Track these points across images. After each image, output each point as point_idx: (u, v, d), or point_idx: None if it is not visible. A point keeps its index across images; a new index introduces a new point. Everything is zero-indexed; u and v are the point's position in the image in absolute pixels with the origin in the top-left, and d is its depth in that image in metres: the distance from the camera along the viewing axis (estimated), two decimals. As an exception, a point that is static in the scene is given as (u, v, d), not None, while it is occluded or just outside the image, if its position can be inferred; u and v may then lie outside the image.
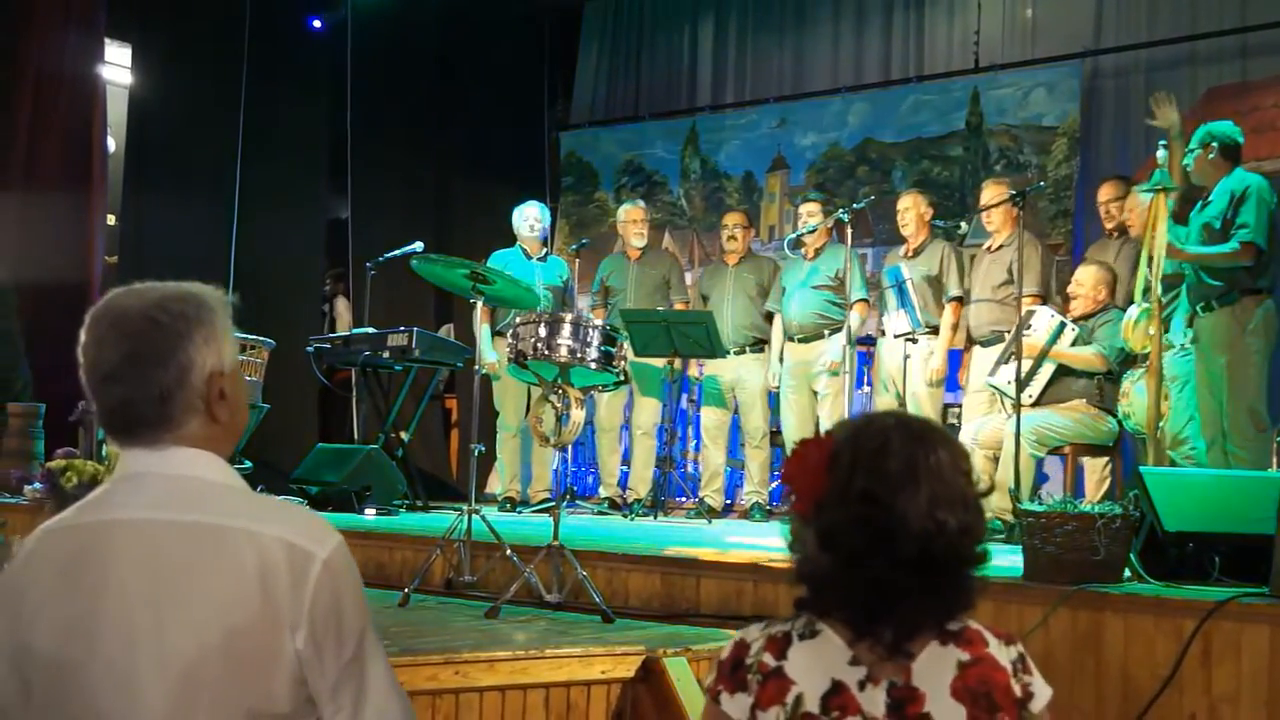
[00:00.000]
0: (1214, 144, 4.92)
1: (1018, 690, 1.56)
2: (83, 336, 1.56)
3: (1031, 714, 1.57)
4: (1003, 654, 1.58)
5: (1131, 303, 4.98)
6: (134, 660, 1.44)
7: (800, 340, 6.50)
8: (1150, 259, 4.62)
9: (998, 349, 5.74)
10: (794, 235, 6.49)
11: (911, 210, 6.24)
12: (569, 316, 4.03)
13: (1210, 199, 4.92)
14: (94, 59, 7.48)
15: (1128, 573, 3.49)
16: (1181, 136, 4.99)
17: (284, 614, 1.46)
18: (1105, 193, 6.00)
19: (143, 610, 1.45)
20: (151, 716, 1.44)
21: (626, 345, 4.36)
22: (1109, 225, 5.95)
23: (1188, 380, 5.06)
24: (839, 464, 1.55)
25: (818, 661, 1.55)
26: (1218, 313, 4.82)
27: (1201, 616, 3.10)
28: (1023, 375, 5.22)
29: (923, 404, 6.05)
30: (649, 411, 6.92)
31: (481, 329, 5.32)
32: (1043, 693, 1.59)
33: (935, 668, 1.54)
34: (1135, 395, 5.15)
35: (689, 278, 8.23)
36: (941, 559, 1.52)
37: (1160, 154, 4.83)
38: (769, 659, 1.56)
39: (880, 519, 1.51)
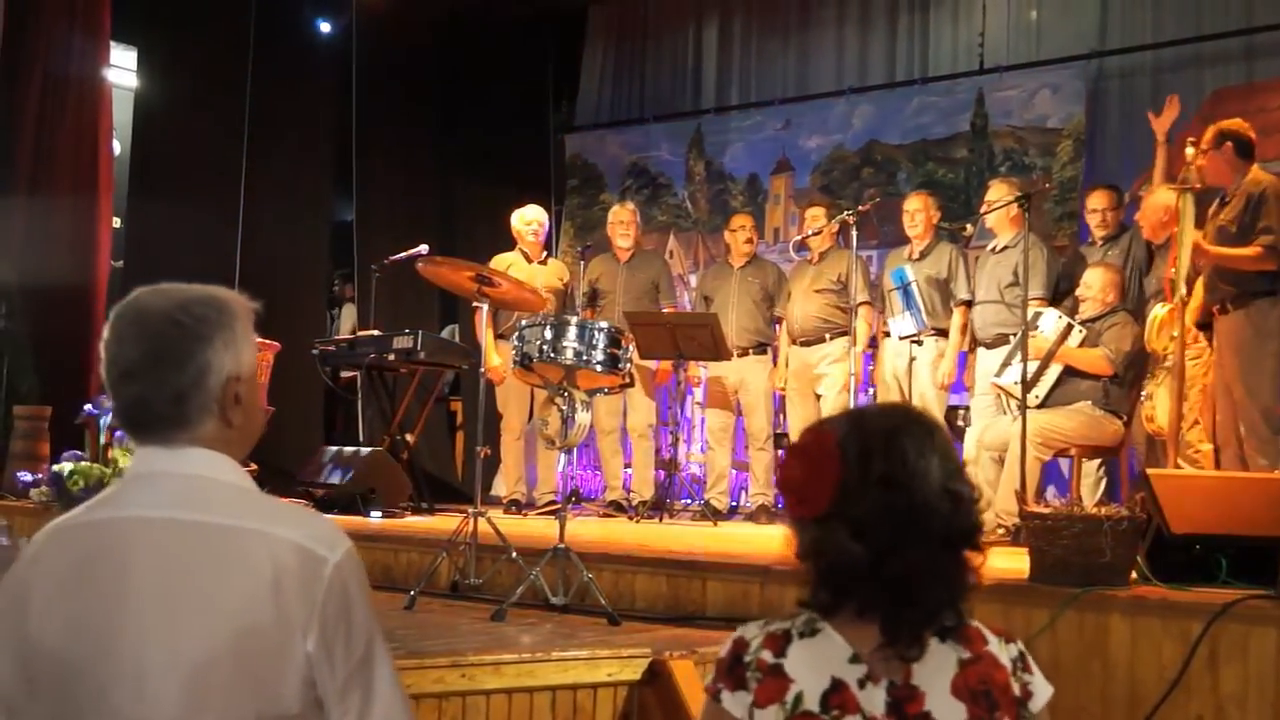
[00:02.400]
0: (1229, 143, 4.88)
1: (1017, 689, 1.55)
2: (105, 332, 1.58)
3: (1031, 713, 1.56)
4: (1003, 652, 1.57)
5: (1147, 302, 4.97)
6: (145, 658, 1.45)
7: (803, 343, 6.50)
8: (1177, 260, 4.61)
9: (1002, 351, 5.73)
10: (799, 238, 6.50)
11: (921, 212, 6.23)
12: (574, 319, 4.03)
13: (1228, 200, 4.88)
14: (100, 62, 7.50)
15: (1134, 575, 3.49)
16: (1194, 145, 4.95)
17: (295, 616, 1.47)
18: (1097, 200, 5.95)
19: (155, 609, 1.46)
20: (162, 715, 1.44)
21: (632, 347, 4.36)
22: (1099, 233, 5.92)
23: (1193, 384, 5.05)
24: (849, 456, 1.54)
25: (818, 660, 1.54)
26: (1232, 315, 4.80)
27: (1208, 618, 3.09)
28: (1029, 376, 5.22)
29: (930, 406, 6.03)
30: (643, 413, 6.92)
31: (485, 334, 5.32)
32: (1043, 692, 1.58)
33: (935, 666, 1.53)
34: (1160, 397, 5.11)
35: (694, 280, 8.24)
36: (961, 530, 1.55)
37: (1189, 151, 4.79)
38: (768, 656, 1.56)
39: (904, 501, 1.52)
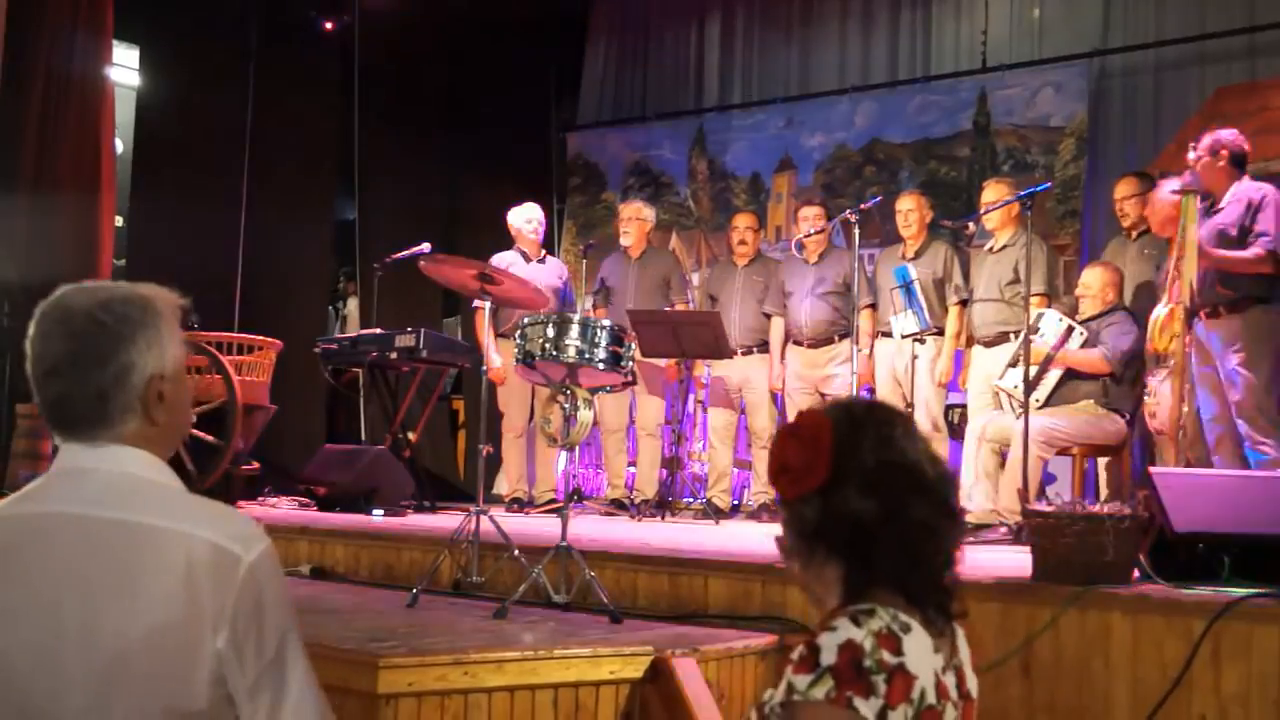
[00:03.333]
0: (1224, 151, 4.92)
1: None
2: (31, 329, 1.59)
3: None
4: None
5: (1156, 303, 4.98)
6: (60, 649, 1.48)
7: (810, 345, 6.50)
8: (1181, 260, 4.62)
9: (1001, 349, 5.73)
10: (799, 238, 6.50)
11: (915, 211, 6.24)
12: (577, 317, 4.02)
13: (1222, 205, 4.92)
14: (102, 61, 7.49)
15: (1137, 573, 3.49)
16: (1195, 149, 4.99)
17: (206, 614, 1.49)
18: (1122, 189, 5.95)
19: (71, 601, 1.49)
20: (73, 704, 1.48)
21: (635, 345, 4.35)
22: (1125, 224, 5.92)
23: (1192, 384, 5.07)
24: (841, 427, 1.61)
25: (925, 653, 1.57)
26: (1226, 319, 4.84)
27: (1211, 617, 3.09)
28: (1030, 379, 5.22)
29: (929, 405, 6.04)
30: (652, 411, 6.92)
31: (487, 334, 5.32)
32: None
33: (962, 645, 1.65)
34: (1162, 395, 5.12)
35: (696, 278, 8.23)
36: (950, 497, 1.64)
37: (1191, 154, 4.82)
38: (888, 656, 1.53)
39: (900, 459, 1.60)
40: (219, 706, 1.52)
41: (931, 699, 1.55)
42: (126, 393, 1.57)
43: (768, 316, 6.72)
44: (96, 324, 1.57)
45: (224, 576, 1.51)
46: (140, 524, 1.52)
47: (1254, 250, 4.74)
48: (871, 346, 6.45)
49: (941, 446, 6.14)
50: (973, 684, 1.64)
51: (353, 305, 9.17)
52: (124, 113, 7.91)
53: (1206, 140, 4.98)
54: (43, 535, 1.53)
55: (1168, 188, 5.46)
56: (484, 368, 4.52)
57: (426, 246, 6.57)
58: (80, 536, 1.52)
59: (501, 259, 6.70)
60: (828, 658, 1.53)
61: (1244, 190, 4.86)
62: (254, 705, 1.53)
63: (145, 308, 1.60)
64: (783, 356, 6.64)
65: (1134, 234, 5.88)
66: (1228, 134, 5.01)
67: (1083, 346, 5.41)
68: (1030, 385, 5.22)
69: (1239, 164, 4.98)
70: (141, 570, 1.50)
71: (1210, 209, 4.94)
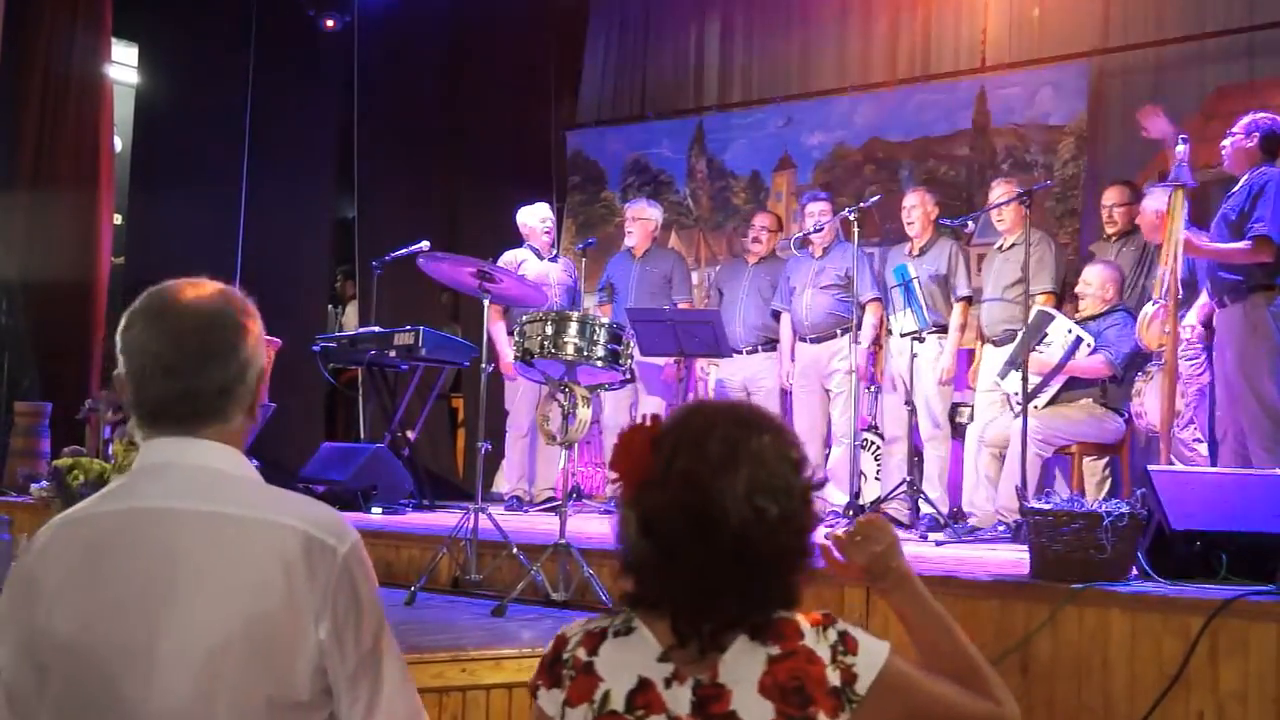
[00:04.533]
0: (1257, 134, 4.85)
1: (837, 678, 1.49)
2: (134, 327, 1.59)
3: (859, 694, 1.49)
4: (820, 643, 1.51)
5: (1148, 301, 4.98)
6: (155, 647, 1.47)
7: (813, 340, 6.50)
8: (1170, 256, 4.61)
9: (1009, 348, 5.72)
10: (800, 235, 6.50)
11: (918, 208, 6.23)
12: (575, 314, 4.03)
13: (1235, 190, 4.86)
14: (101, 58, 7.50)
15: (1135, 571, 3.49)
16: (1186, 142, 4.96)
17: (307, 604, 1.50)
18: (1111, 196, 5.99)
19: (164, 597, 1.48)
20: (174, 702, 1.46)
21: (634, 343, 4.36)
22: (1110, 230, 5.94)
23: (1190, 384, 5.07)
24: (662, 447, 1.51)
25: (627, 658, 1.52)
26: (1230, 309, 4.79)
27: (1209, 615, 3.09)
28: (1034, 389, 5.22)
29: (932, 403, 6.04)
30: (654, 410, 6.91)
31: (498, 329, 5.30)
32: (871, 662, 1.51)
33: (743, 663, 1.48)
34: (1149, 394, 5.13)
35: (695, 277, 8.22)
36: (760, 548, 1.47)
37: (1180, 149, 4.79)
38: (583, 654, 1.54)
39: (699, 503, 1.47)
40: (320, 698, 1.52)
41: (617, 705, 1.49)
42: (244, 387, 1.60)
43: (776, 314, 6.71)
44: (222, 318, 1.59)
45: (321, 567, 1.51)
46: (231, 516, 1.52)
47: (1245, 241, 4.67)
48: (880, 342, 6.45)
49: (944, 446, 6.14)
50: (748, 708, 1.47)
51: (351, 305, 9.16)
52: (123, 110, 7.91)
53: (1245, 120, 4.90)
54: (132, 533, 1.52)
55: (1155, 195, 5.47)
56: (484, 364, 4.50)
57: (425, 244, 6.57)
58: (169, 530, 1.51)
59: (513, 256, 6.69)
60: (546, 647, 1.59)
61: (1255, 176, 4.79)
62: (353, 695, 1.53)
63: (245, 306, 1.63)
64: (792, 353, 6.63)
65: (1115, 238, 5.90)
66: (1266, 118, 4.90)
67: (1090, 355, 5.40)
68: (1032, 394, 5.22)
69: (1268, 149, 4.84)
70: (236, 563, 1.50)
71: (1227, 196, 4.89)
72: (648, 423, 1.56)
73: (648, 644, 1.52)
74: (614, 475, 1.55)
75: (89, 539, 1.54)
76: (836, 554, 1.66)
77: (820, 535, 1.61)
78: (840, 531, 1.66)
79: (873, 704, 1.49)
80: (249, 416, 1.62)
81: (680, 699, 1.49)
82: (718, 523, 1.46)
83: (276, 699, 1.48)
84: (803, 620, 1.52)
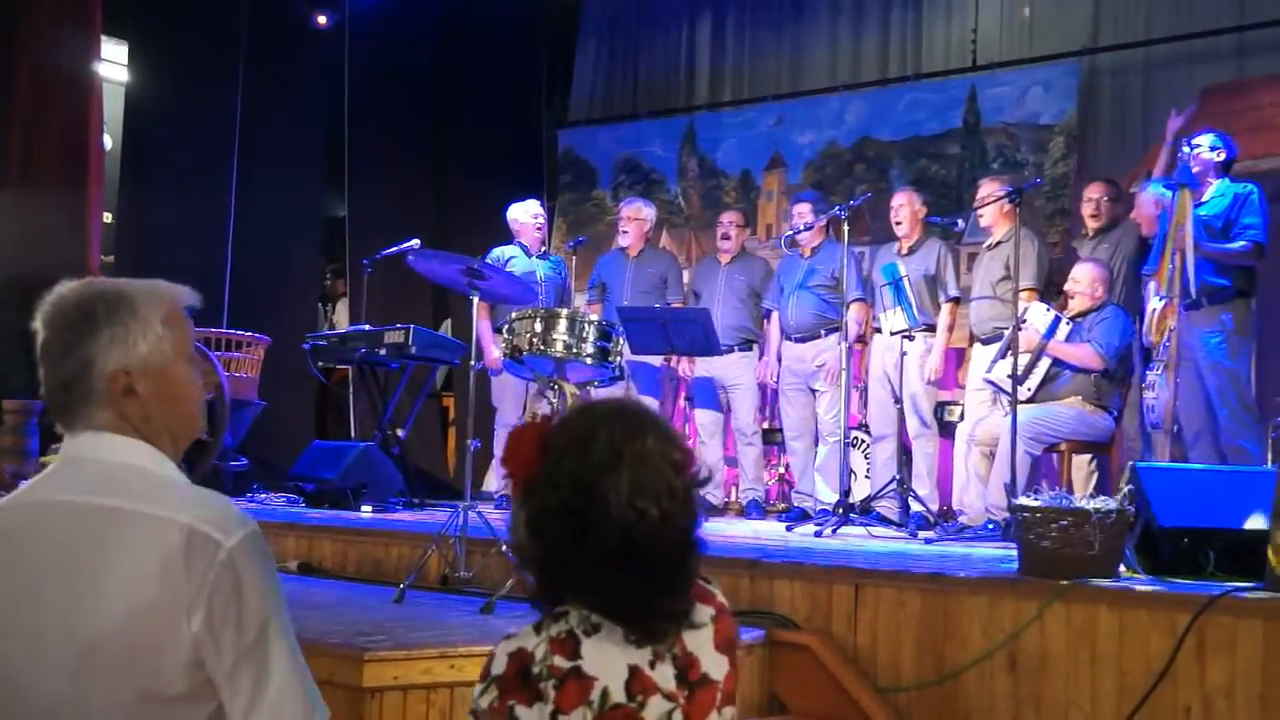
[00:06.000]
0: (1222, 149, 5.03)
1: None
2: None
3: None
4: (721, 596, 1.70)
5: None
6: (43, 635, 1.52)
7: (798, 339, 6.50)
8: (1176, 253, 4.67)
9: (996, 346, 5.73)
10: (789, 234, 6.50)
11: (905, 208, 6.24)
12: (565, 312, 4.03)
13: (1206, 200, 5.00)
14: (90, 56, 7.46)
15: (1123, 568, 3.50)
16: (1190, 143, 5.09)
17: (182, 597, 1.51)
18: (1094, 190, 6.02)
19: (53, 587, 1.53)
20: (53, 692, 1.51)
21: (623, 341, 4.35)
22: (1092, 224, 5.96)
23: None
24: (551, 449, 1.57)
25: (611, 652, 1.56)
26: (1206, 310, 4.94)
27: (1196, 611, 3.10)
28: (1021, 371, 5.24)
29: (919, 401, 6.05)
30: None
31: (485, 325, 5.30)
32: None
33: (698, 629, 1.62)
34: (1161, 389, 5.15)
35: (686, 277, 8.23)
36: (643, 548, 1.53)
37: (1185, 149, 4.89)
38: (561, 662, 1.55)
39: (582, 506, 1.53)
40: (200, 690, 1.53)
41: (619, 698, 1.54)
42: (86, 385, 1.62)
43: (768, 313, 6.72)
44: (65, 318, 1.63)
45: (201, 561, 1.52)
46: (121, 509, 1.55)
47: (1239, 243, 4.83)
48: (865, 341, 6.45)
49: (932, 444, 6.15)
50: (712, 666, 1.61)
51: (341, 304, 9.15)
52: (112, 109, 7.88)
53: (1210, 136, 5.11)
54: (34, 523, 1.58)
55: (1154, 188, 5.51)
56: (473, 362, 4.50)
57: (416, 242, 6.56)
58: (64, 523, 1.56)
59: (500, 253, 6.68)
60: (497, 667, 1.57)
61: (1225, 185, 4.96)
62: (233, 689, 1.54)
63: (115, 304, 1.64)
64: (777, 352, 6.63)
65: (1094, 234, 5.92)
66: (1226, 137, 5.15)
67: (1069, 339, 5.42)
68: (1020, 376, 5.24)
69: (1228, 168, 5.14)
70: (119, 555, 1.52)
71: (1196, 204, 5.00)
72: (538, 421, 1.61)
73: (613, 634, 1.57)
74: (504, 473, 1.62)
75: (3, 528, 1.60)
76: None
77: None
78: None
79: None
80: (116, 413, 1.61)
81: (666, 675, 1.58)
82: (601, 524, 1.52)
83: (149, 692, 1.51)
84: (701, 582, 1.68)
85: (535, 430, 1.59)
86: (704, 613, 1.64)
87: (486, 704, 1.55)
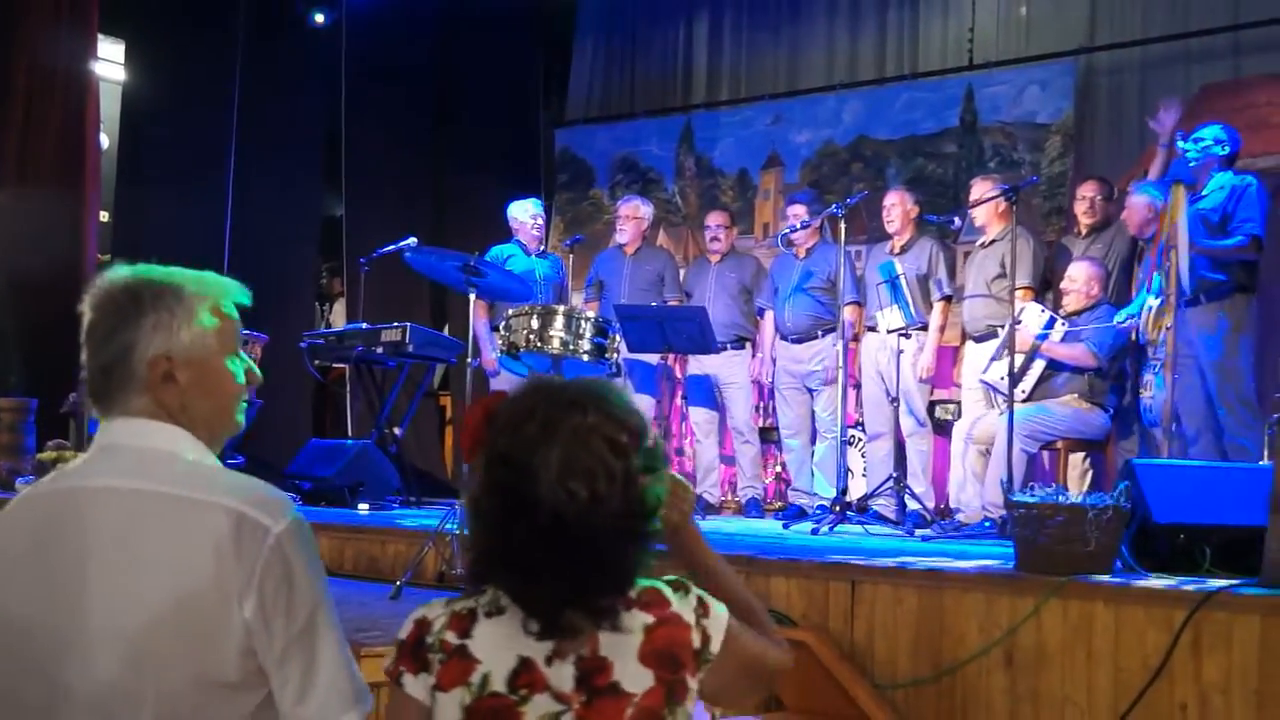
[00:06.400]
0: (1226, 143, 4.98)
1: (697, 641, 1.53)
2: None
3: (711, 654, 1.54)
4: (685, 608, 1.54)
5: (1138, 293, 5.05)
6: (86, 624, 1.49)
7: (794, 340, 6.50)
8: (1170, 250, 4.66)
9: (992, 344, 5.74)
10: (784, 233, 6.50)
11: (897, 207, 6.24)
12: (561, 309, 4.03)
13: (1204, 193, 4.97)
14: (87, 55, 7.46)
15: (1119, 564, 3.50)
16: (1185, 139, 5.06)
17: (232, 584, 1.49)
18: (1088, 188, 6.03)
19: (97, 575, 1.50)
20: (102, 678, 1.48)
21: (619, 338, 4.35)
22: (1085, 221, 5.96)
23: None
24: (493, 427, 1.51)
25: (505, 638, 1.50)
26: (1205, 307, 4.89)
27: (1192, 607, 3.10)
28: (1017, 371, 5.25)
29: (914, 399, 6.05)
30: (643, 408, 6.90)
31: (482, 325, 5.30)
32: (719, 624, 1.56)
33: (623, 635, 1.50)
34: (1157, 388, 5.15)
35: (683, 275, 8.24)
36: (574, 532, 1.45)
37: (1180, 144, 4.88)
38: (452, 637, 1.52)
39: (513, 482, 1.46)
40: (251, 679, 1.52)
41: (498, 687, 1.49)
42: (125, 371, 1.60)
43: (761, 312, 6.72)
44: (112, 302, 1.62)
45: (251, 546, 1.51)
46: (167, 495, 1.53)
47: (1236, 239, 4.80)
48: (858, 340, 6.46)
49: (926, 442, 6.16)
50: (628, 677, 1.49)
51: (339, 304, 9.14)
52: (109, 108, 7.88)
53: (1214, 129, 5.09)
54: (75, 510, 1.55)
55: (1146, 191, 5.51)
56: (470, 360, 4.50)
57: (413, 240, 6.56)
58: (109, 510, 1.53)
59: (499, 252, 6.68)
60: (402, 633, 1.56)
61: (1224, 179, 4.92)
62: (283, 675, 1.52)
63: (161, 291, 1.63)
64: (771, 351, 6.63)
65: (1087, 233, 5.93)
66: (1231, 130, 5.11)
67: (1064, 340, 5.43)
68: (1015, 377, 5.25)
69: (1231, 161, 5.09)
70: (167, 542, 1.50)
71: (1191, 200, 4.98)
72: (490, 396, 1.57)
73: (513, 622, 1.50)
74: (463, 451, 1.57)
75: (40, 516, 1.57)
76: None
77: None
78: None
79: (720, 662, 1.55)
80: (154, 400, 1.60)
81: (563, 675, 1.49)
82: (532, 505, 1.45)
83: (203, 678, 1.49)
84: (663, 587, 1.55)
85: (485, 405, 1.53)
86: (636, 618, 1.51)
87: (386, 666, 1.56)
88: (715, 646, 1.54)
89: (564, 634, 1.49)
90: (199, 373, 1.63)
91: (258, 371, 1.76)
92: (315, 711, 1.53)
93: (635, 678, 1.49)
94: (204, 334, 1.63)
